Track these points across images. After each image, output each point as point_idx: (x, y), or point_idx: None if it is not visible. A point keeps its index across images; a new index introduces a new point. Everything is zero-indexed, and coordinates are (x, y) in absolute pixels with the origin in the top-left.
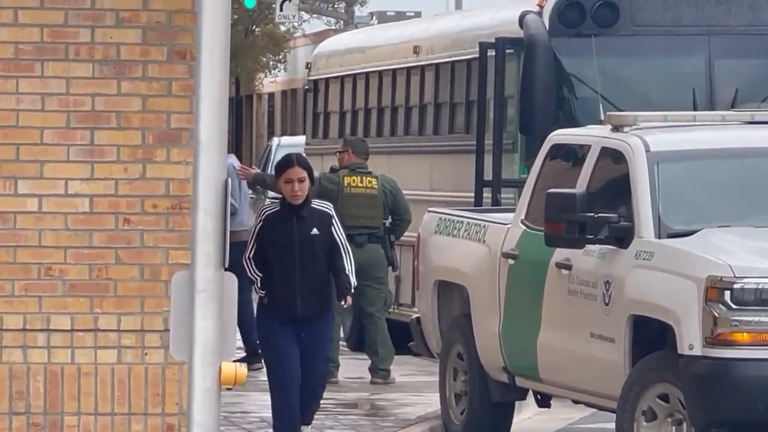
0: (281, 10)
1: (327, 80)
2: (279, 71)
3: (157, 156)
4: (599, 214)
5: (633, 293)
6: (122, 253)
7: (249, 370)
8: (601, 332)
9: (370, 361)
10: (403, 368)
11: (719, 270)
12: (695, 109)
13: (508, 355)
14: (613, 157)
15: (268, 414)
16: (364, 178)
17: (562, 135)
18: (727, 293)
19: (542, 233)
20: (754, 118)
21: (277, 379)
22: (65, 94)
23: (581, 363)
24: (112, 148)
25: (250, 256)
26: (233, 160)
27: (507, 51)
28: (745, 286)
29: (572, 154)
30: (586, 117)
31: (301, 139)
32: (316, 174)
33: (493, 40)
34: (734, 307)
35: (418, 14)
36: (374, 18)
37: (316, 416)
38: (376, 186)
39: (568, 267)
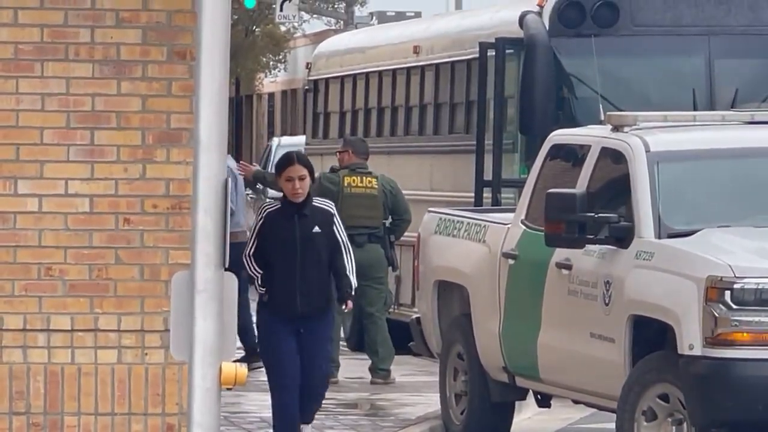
0: (281, 10)
1: (327, 80)
2: (279, 71)
3: (157, 156)
4: (599, 214)
5: (633, 293)
6: (122, 253)
7: (249, 369)
8: (601, 332)
9: (370, 361)
10: (403, 368)
11: (719, 270)
12: (695, 109)
13: (508, 355)
14: (613, 157)
15: (268, 414)
16: (364, 178)
17: (562, 135)
18: (727, 293)
19: (542, 233)
20: (754, 118)
21: (277, 379)
22: (65, 94)
23: (581, 363)
24: (112, 148)
25: (250, 253)
26: (230, 161)
27: (507, 51)
28: (745, 286)
29: (572, 154)
30: (586, 117)
31: (301, 139)
32: (316, 174)
33: (493, 40)
34: (734, 307)
35: (418, 14)
36: (374, 18)
37: (316, 416)
38: (376, 186)
39: (568, 267)
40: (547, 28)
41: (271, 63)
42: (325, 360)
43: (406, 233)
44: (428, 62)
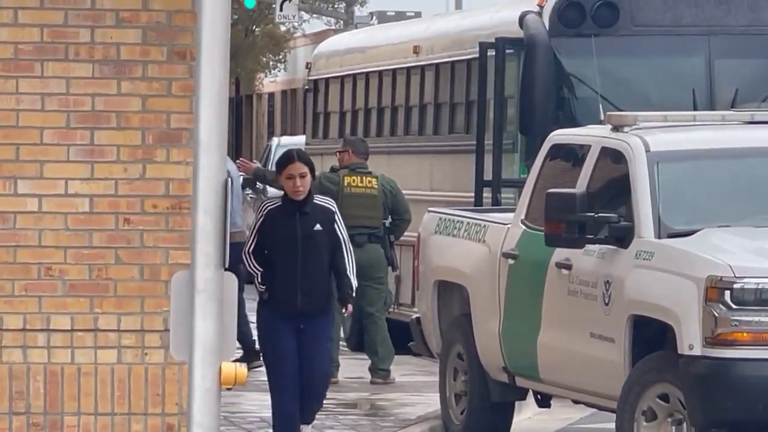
0: (281, 10)
1: (327, 80)
2: (279, 71)
3: (157, 156)
4: (599, 214)
5: (633, 293)
6: (122, 253)
7: (248, 369)
8: (601, 332)
9: (370, 361)
10: (403, 368)
11: (719, 270)
12: (695, 109)
13: (508, 355)
14: (613, 157)
15: (267, 414)
16: (364, 178)
17: (562, 135)
18: (727, 293)
19: (542, 233)
20: (754, 118)
21: (277, 379)
22: (65, 94)
23: (581, 363)
24: (112, 148)
25: (250, 250)
26: (229, 164)
27: (507, 51)
28: (745, 286)
29: (572, 154)
30: (586, 117)
31: (301, 138)
32: (316, 173)
33: (493, 40)
34: (734, 307)
35: (418, 14)
36: (374, 18)
37: (316, 416)
38: (376, 186)
39: (568, 267)
40: (547, 28)
41: (271, 63)
42: (325, 359)
43: (406, 233)
44: (428, 62)
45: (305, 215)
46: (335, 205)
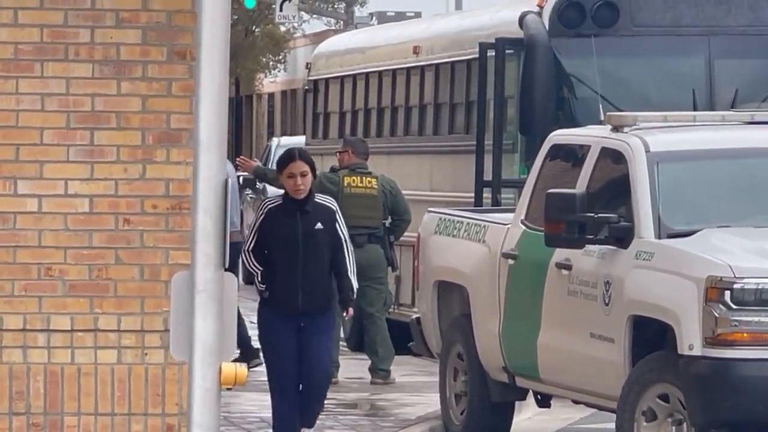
0: (281, 10)
1: (327, 80)
2: (279, 71)
3: (156, 156)
4: (599, 215)
5: (633, 293)
6: (122, 254)
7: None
8: (601, 332)
9: (370, 362)
10: (403, 368)
11: (719, 270)
12: (695, 109)
13: (508, 355)
14: (613, 157)
15: (267, 414)
16: (364, 178)
17: (562, 135)
18: (727, 293)
19: (542, 233)
20: (754, 118)
21: (276, 379)
22: (65, 94)
23: (581, 363)
24: (112, 149)
25: (250, 248)
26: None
27: (507, 51)
28: (745, 287)
29: (572, 155)
30: (586, 117)
31: (300, 139)
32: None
33: (493, 41)
34: (734, 307)
35: (418, 14)
36: (374, 18)
37: (317, 420)
38: (375, 186)
39: (568, 267)
40: (547, 28)
41: (271, 63)
42: (326, 358)
43: (405, 233)
44: (428, 62)
45: (306, 214)
46: (336, 205)
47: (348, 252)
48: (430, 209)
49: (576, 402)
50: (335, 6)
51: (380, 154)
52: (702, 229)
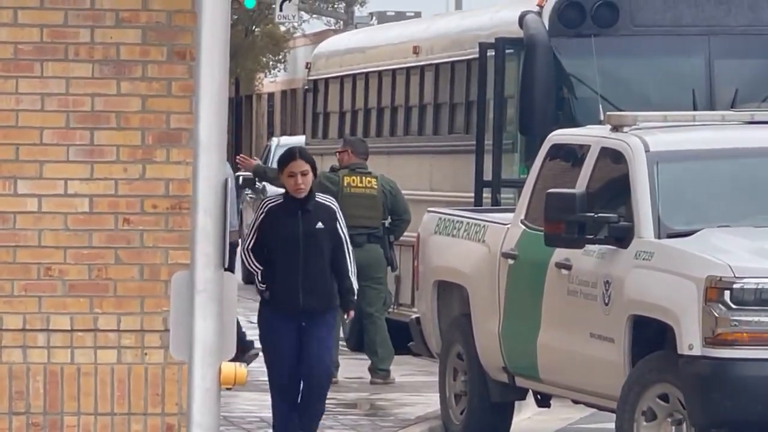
0: (281, 10)
1: (327, 80)
2: (279, 71)
3: (156, 156)
4: (599, 214)
5: (633, 293)
6: (122, 253)
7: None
8: (600, 332)
9: (369, 361)
10: (402, 368)
11: (719, 270)
12: (695, 109)
13: (507, 355)
14: (613, 157)
15: (267, 414)
16: (363, 178)
17: (561, 135)
18: (727, 293)
19: (542, 233)
20: (754, 118)
21: (277, 379)
22: (65, 94)
23: (581, 363)
24: (111, 149)
25: (250, 247)
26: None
27: (507, 51)
28: (745, 286)
29: (572, 154)
30: (586, 117)
31: (300, 139)
32: None
33: (493, 41)
34: (734, 307)
35: (418, 14)
36: (374, 18)
37: (318, 425)
38: (375, 186)
39: (568, 267)
40: (547, 28)
41: (271, 63)
42: (326, 357)
43: (405, 233)
44: (428, 62)
45: (307, 213)
46: (337, 204)
47: (348, 253)
48: (429, 209)
49: (576, 402)
50: (335, 6)
51: (380, 154)
52: (702, 229)
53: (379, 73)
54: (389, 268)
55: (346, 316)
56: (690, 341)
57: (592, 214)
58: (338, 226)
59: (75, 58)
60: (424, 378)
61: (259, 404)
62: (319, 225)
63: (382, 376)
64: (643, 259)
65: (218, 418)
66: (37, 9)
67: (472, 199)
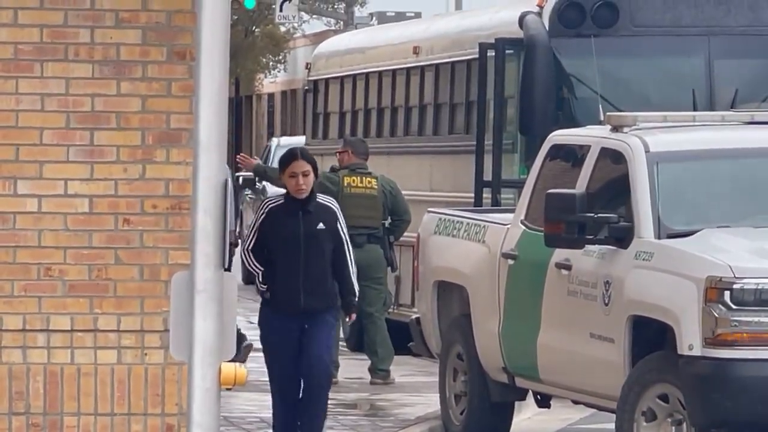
0: (281, 10)
1: (327, 81)
2: (279, 72)
3: (156, 156)
4: (599, 215)
5: (633, 293)
6: (122, 254)
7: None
8: (600, 332)
9: (369, 362)
10: (402, 368)
11: (719, 270)
12: (695, 109)
13: (507, 355)
14: (613, 157)
15: (267, 414)
16: (363, 178)
17: (561, 135)
18: (727, 293)
19: (542, 233)
20: (754, 118)
21: (277, 380)
22: (65, 94)
23: (581, 363)
24: (111, 149)
25: (250, 248)
26: None
27: (507, 51)
28: (745, 287)
29: (572, 155)
30: (586, 117)
31: (300, 139)
32: None
33: (493, 41)
34: (734, 307)
35: (418, 15)
36: (374, 18)
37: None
38: (375, 186)
39: (568, 267)
40: (547, 28)
41: (271, 63)
42: (327, 358)
43: (405, 233)
44: (428, 63)
45: (308, 214)
46: (337, 205)
47: (348, 253)
48: (429, 209)
49: (576, 402)
50: (335, 6)
51: (380, 154)
52: (702, 229)
53: (379, 73)
54: (389, 268)
55: (348, 319)
56: (690, 341)
57: (592, 214)
58: (339, 226)
59: (75, 59)
60: (424, 378)
61: (259, 404)
62: (321, 226)
63: (382, 376)
64: (643, 259)
65: (218, 419)
66: (37, 9)
67: (472, 200)
